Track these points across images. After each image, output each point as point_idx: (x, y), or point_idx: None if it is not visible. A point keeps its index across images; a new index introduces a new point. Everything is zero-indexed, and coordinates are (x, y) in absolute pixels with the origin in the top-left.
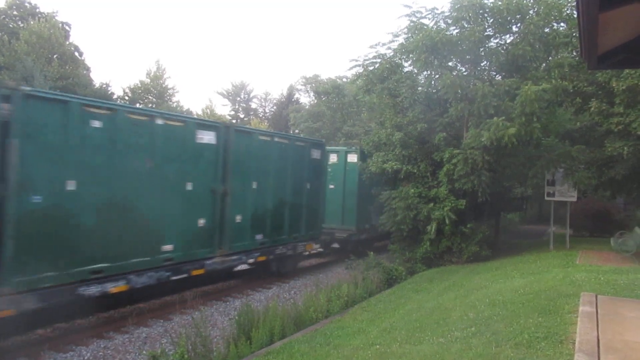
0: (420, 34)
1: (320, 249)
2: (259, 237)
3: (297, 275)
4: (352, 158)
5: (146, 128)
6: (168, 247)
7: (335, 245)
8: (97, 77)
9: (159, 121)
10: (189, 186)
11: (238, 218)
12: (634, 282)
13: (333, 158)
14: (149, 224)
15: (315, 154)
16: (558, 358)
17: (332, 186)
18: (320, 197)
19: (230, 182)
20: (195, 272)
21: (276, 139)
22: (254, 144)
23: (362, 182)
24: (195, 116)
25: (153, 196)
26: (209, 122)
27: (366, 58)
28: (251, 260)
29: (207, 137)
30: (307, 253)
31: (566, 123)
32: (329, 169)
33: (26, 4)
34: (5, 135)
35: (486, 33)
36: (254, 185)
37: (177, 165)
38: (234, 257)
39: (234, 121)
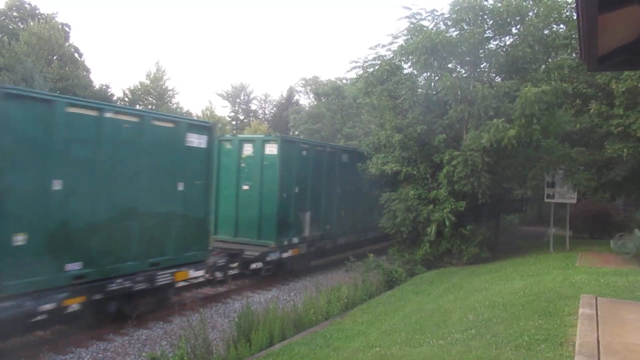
0: (420, 36)
1: (209, 276)
2: (73, 266)
3: (297, 278)
4: (272, 149)
5: None
6: None
7: (258, 265)
8: (97, 79)
9: None
10: None
11: (19, 239)
12: (633, 284)
13: (247, 149)
14: None
15: (197, 140)
16: None
17: (246, 187)
18: (206, 203)
19: None
20: None
21: (109, 115)
22: (58, 121)
23: (285, 179)
24: (195, 118)
25: None
26: None
27: (366, 60)
28: (48, 307)
29: None
30: (181, 285)
31: (566, 125)
32: (242, 164)
33: (26, 5)
34: None
35: (486, 35)
36: (57, 185)
37: None
38: (4, 305)
39: (233, 122)
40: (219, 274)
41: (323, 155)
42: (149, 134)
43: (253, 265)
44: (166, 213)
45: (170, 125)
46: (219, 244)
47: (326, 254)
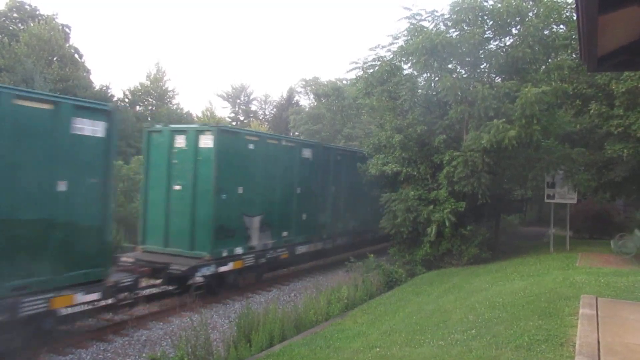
0: (420, 37)
1: (110, 300)
2: None
3: (297, 278)
4: (207, 141)
5: None
6: None
7: (198, 279)
8: (97, 80)
9: None
10: None
11: None
12: (634, 285)
13: (179, 142)
14: None
15: (89, 127)
16: None
17: (177, 187)
18: (104, 207)
19: None
20: None
21: None
22: None
23: (224, 177)
24: (195, 119)
25: None
26: None
27: (365, 61)
28: None
29: None
30: (64, 313)
31: (566, 125)
32: (174, 160)
33: (26, 6)
34: None
35: (486, 35)
36: None
37: None
38: None
39: (233, 123)
40: (126, 296)
41: (277, 149)
42: (10, 117)
43: (194, 280)
44: (38, 220)
45: (45, 106)
46: (146, 256)
47: (282, 266)
